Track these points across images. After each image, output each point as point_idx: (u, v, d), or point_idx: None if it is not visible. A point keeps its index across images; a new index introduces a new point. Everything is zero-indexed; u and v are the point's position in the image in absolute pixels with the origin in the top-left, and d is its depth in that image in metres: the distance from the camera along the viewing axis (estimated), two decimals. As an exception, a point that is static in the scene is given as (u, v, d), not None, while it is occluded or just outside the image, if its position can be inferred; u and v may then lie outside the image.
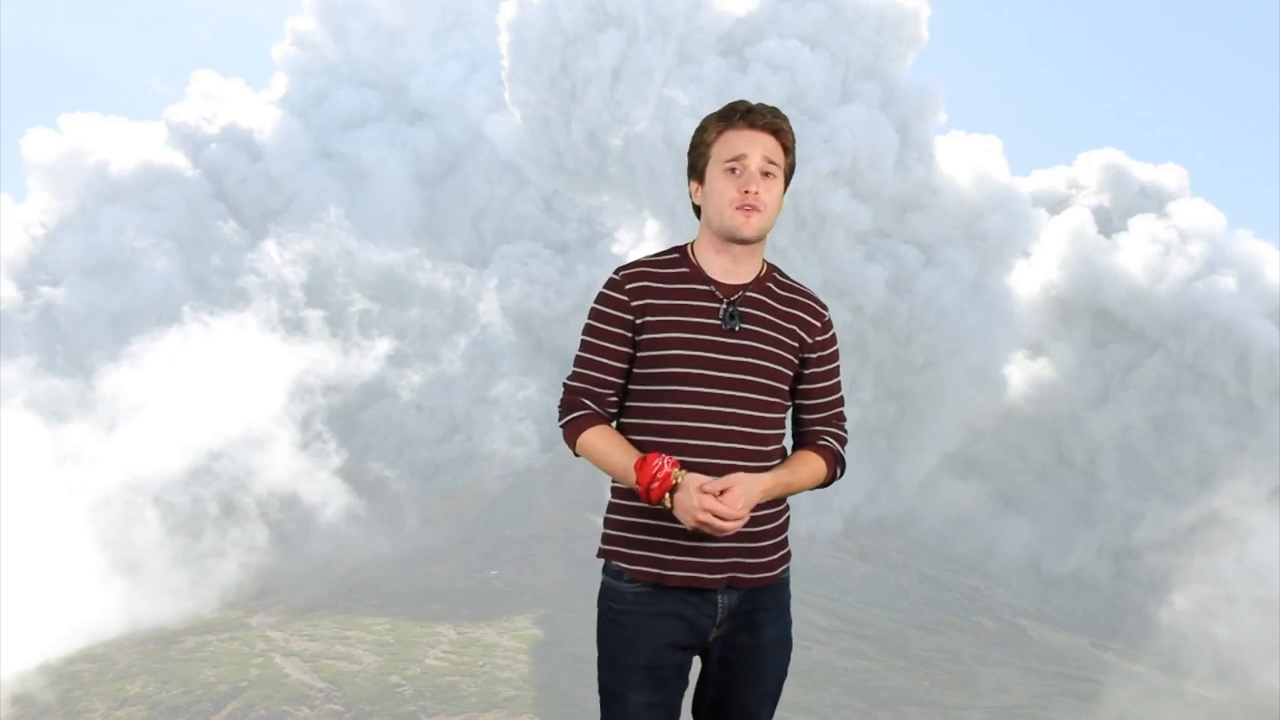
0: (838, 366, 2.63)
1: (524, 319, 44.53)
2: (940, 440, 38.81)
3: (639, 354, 2.48)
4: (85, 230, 45.99)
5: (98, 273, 44.91)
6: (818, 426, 2.61)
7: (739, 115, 2.48)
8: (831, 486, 2.66)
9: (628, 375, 2.51)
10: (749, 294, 2.51)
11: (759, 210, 2.45)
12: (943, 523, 39.30)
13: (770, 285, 2.54)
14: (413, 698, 23.27)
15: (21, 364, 39.44)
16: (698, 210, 2.56)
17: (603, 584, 2.57)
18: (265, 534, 33.94)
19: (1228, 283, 40.09)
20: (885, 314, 37.44)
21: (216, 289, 44.23)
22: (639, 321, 2.48)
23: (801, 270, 35.79)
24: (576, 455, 2.51)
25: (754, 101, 2.52)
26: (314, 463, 36.94)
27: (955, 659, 28.68)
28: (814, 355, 2.57)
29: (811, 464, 2.54)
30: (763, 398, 2.47)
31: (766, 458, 2.48)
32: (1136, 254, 41.70)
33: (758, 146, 2.45)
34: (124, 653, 25.45)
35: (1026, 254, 42.72)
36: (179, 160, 48.36)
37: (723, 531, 2.34)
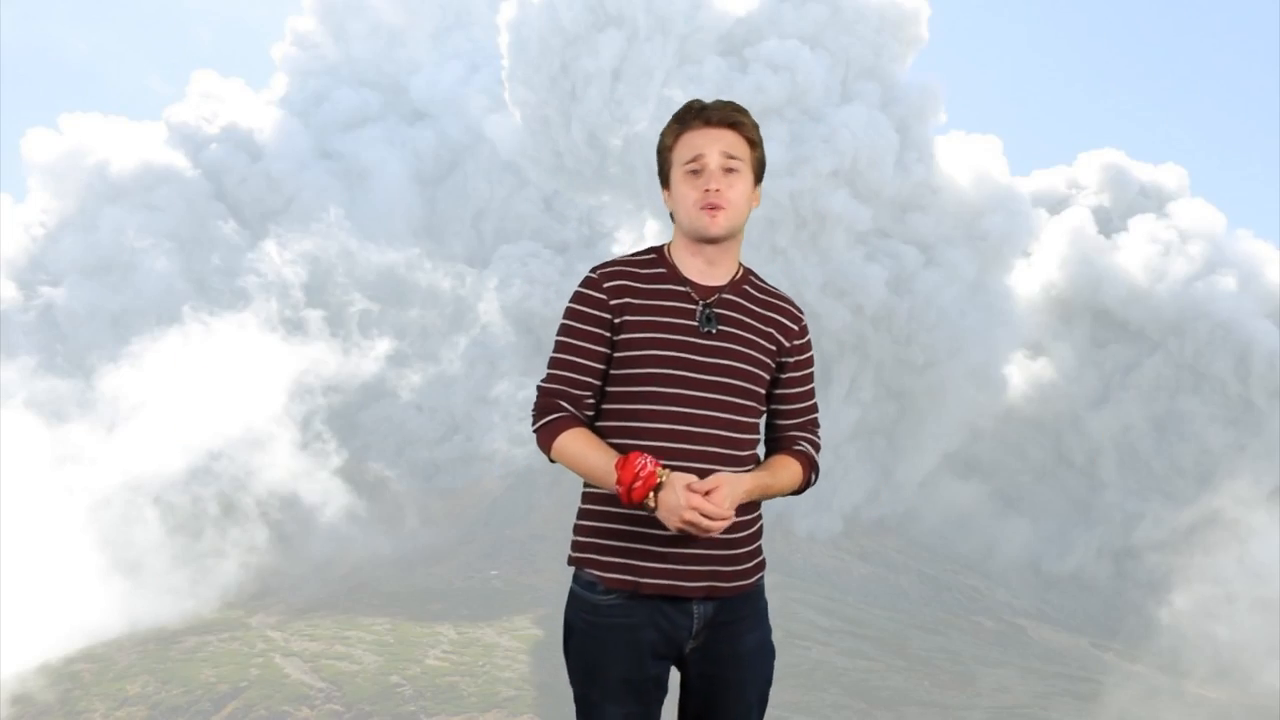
0: (813, 373, 2.59)
1: (524, 319, 44.48)
2: (940, 440, 38.80)
3: (616, 354, 2.42)
4: (85, 230, 46.00)
5: (98, 273, 44.92)
6: (793, 431, 2.56)
7: (694, 115, 2.44)
8: (819, 489, 2.62)
9: (605, 376, 2.44)
10: (726, 296, 2.47)
11: (723, 208, 2.41)
12: (943, 523, 39.29)
13: (747, 288, 2.51)
14: (413, 698, 23.27)
15: (21, 364, 39.45)
16: (673, 217, 2.53)
17: (572, 594, 2.48)
18: (265, 534, 33.95)
19: (1228, 283, 40.08)
20: (885, 314, 37.42)
21: (216, 289, 44.23)
22: (617, 321, 2.42)
23: (801, 270, 35.79)
24: (552, 461, 2.41)
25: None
26: (314, 463, 36.95)
27: (955, 659, 28.65)
28: (790, 359, 2.52)
29: (790, 468, 2.49)
30: (739, 400, 2.42)
31: (742, 461, 2.43)
32: (1136, 254, 41.70)
33: (716, 144, 2.41)
34: (124, 653, 25.46)
35: (1026, 254, 42.72)
36: (179, 160, 48.37)
37: (708, 532, 2.27)
